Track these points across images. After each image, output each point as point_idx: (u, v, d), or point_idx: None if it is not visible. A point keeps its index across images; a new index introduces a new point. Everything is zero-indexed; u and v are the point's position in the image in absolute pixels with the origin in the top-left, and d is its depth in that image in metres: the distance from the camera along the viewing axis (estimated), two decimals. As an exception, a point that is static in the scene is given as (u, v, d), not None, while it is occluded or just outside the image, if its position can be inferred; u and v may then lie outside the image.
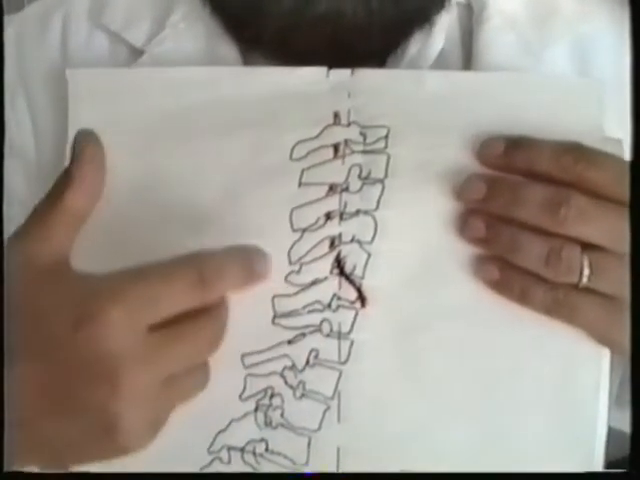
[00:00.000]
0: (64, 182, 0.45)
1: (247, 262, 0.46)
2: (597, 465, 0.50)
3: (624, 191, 0.46)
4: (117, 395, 0.43)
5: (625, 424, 0.52)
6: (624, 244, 0.46)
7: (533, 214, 0.46)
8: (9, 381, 0.43)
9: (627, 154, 0.49)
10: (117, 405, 0.43)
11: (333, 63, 0.53)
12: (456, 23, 0.58)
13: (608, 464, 0.56)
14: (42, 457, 0.45)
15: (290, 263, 0.49)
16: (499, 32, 0.56)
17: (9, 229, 0.47)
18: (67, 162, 0.47)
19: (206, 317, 0.45)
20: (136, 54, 0.57)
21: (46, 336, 0.43)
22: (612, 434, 0.56)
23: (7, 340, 0.43)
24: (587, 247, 0.46)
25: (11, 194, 0.46)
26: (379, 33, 0.53)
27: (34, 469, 0.47)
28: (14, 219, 0.47)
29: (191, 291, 0.44)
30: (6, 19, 0.59)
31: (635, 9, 0.50)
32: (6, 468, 0.44)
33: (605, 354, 0.49)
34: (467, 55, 0.57)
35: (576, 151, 0.46)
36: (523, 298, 0.47)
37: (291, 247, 0.50)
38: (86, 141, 0.46)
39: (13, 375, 0.43)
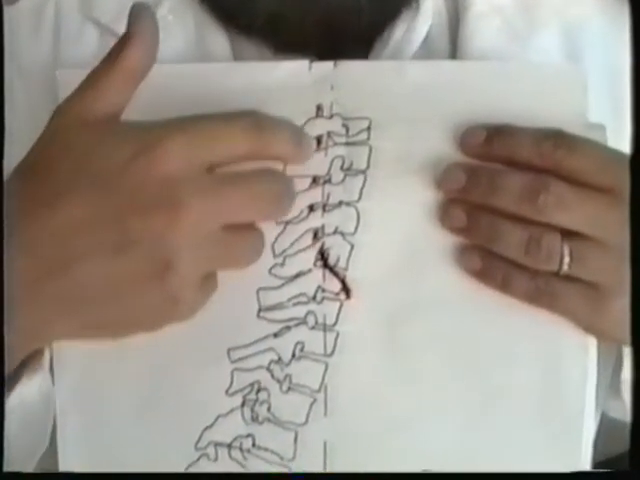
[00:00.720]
0: (123, 42, 0.45)
1: (299, 132, 0.47)
2: (585, 455, 0.49)
3: (605, 178, 0.45)
4: (175, 226, 0.41)
5: (622, 412, 0.52)
6: (604, 231, 0.45)
7: (512, 202, 0.46)
8: (49, 225, 0.42)
9: (611, 140, 0.49)
10: (174, 237, 0.42)
11: (322, 46, 0.53)
12: (442, 8, 0.57)
13: (608, 461, 0.56)
14: (90, 309, 0.44)
15: (274, 256, 0.49)
16: (485, 18, 0.56)
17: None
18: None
19: (271, 173, 0.45)
20: None
21: (99, 170, 0.42)
22: (612, 427, 0.56)
23: (48, 186, 0.43)
24: (568, 234, 0.45)
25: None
26: (368, 13, 0.53)
27: (75, 334, 0.45)
28: None
29: (249, 135, 0.44)
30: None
31: (635, 8, 0.49)
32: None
33: (592, 342, 0.48)
34: (453, 41, 0.56)
35: (556, 138, 0.46)
36: (505, 286, 0.47)
37: (275, 240, 0.49)
38: (143, 9, 0.46)
39: (55, 216, 0.42)
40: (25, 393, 0.48)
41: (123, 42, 0.45)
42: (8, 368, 0.44)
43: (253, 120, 0.44)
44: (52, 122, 0.45)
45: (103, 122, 0.44)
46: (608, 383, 0.53)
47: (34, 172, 0.44)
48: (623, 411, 0.52)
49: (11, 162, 0.46)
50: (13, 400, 0.47)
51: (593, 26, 0.57)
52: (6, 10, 0.60)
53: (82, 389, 0.50)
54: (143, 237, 0.42)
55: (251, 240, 0.46)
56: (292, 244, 0.49)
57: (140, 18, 0.45)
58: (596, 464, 0.51)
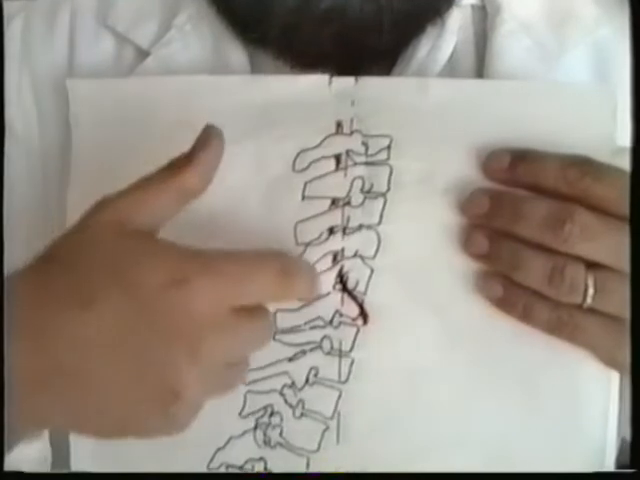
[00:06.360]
0: (184, 162, 0.44)
1: (315, 273, 0.46)
2: None
3: None
4: (191, 361, 0.41)
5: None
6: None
7: (536, 231, 0.44)
8: (75, 328, 0.40)
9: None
10: (189, 370, 0.41)
11: (342, 62, 0.52)
12: (470, 26, 0.56)
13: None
14: (89, 414, 0.42)
15: None
16: (513, 37, 0.54)
17: (9, 223, 0.48)
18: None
19: (264, 312, 0.45)
20: (142, 55, 0.56)
21: (133, 288, 0.41)
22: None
23: (83, 287, 0.41)
24: (592, 266, 0.44)
25: (12, 182, 0.46)
26: (388, 29, 0.52)
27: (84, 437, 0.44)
28: (14, 209, 0.47)
29: (276, 280, 0.43)
30: (16, 4, 0.58)
31: (635, 9, 0.48)
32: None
33: (614, 375, 0.47)
34: (480, 59, 0.55)
35: (583, 165, 0.45)
36: (526, 317, 0.46)
37: None
38: (213, 134, 0.45)
39: (86, 320, 0.41)
40: (22, 455, 0.47)
41: (185, 161, 0.44)
42: (7, 443, 0.43)
43: (281, 266, 0.43)
44: (90, 217, 0.43)
45: (141, 236, 0.43)
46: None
47: (64, 266, 0.42)
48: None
49: (19, 172, 0.46)
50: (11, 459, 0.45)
51: (623, 44, 0.55)
52: (23, 4, 0.59)
53: None
54: (160, 365, 0.41)
55: (240, 370, 0.45)
56: None
57: (209, 143, 0.44)
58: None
